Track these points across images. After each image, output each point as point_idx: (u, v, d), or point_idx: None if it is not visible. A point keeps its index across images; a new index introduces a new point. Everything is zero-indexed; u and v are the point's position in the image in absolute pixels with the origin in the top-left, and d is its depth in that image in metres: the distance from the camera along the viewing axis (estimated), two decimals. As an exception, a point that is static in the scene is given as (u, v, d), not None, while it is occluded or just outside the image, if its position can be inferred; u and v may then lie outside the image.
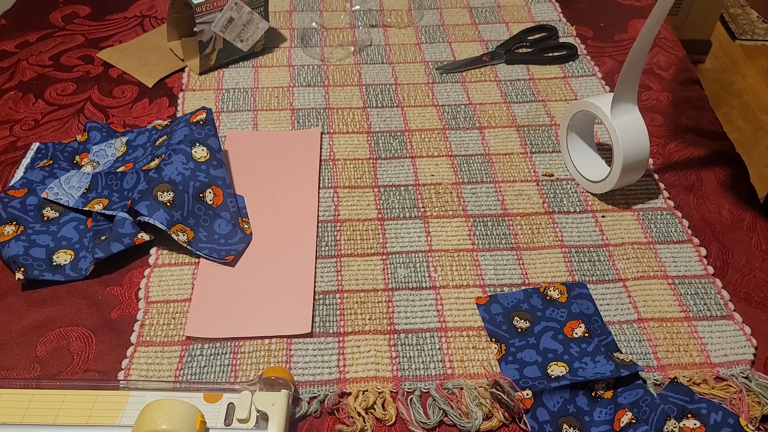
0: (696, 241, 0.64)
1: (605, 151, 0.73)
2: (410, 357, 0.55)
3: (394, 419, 0.51)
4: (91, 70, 0.85)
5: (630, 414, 0.49)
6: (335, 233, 0.65)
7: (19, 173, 0.70)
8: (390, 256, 0.63)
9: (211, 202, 0.64)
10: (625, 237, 0.65)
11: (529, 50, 0.89)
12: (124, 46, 0.89)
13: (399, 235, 0.65)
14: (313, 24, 0.94)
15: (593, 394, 0.51)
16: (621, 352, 0.55)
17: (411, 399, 0.52)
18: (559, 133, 0.72)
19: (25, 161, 0.71)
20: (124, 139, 0.73)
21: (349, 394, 0.52)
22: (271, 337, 0.56)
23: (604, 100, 0.64)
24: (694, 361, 0.55)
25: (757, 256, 0.63)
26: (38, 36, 0.91)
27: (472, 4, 0.99)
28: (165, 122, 0.75)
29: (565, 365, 0.53)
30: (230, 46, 0.84)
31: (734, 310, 0.58)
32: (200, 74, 0.84)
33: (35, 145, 0.72)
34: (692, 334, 0.56)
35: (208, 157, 0.66)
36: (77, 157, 0.71)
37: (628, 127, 0.63)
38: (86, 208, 0.64)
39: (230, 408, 0.49)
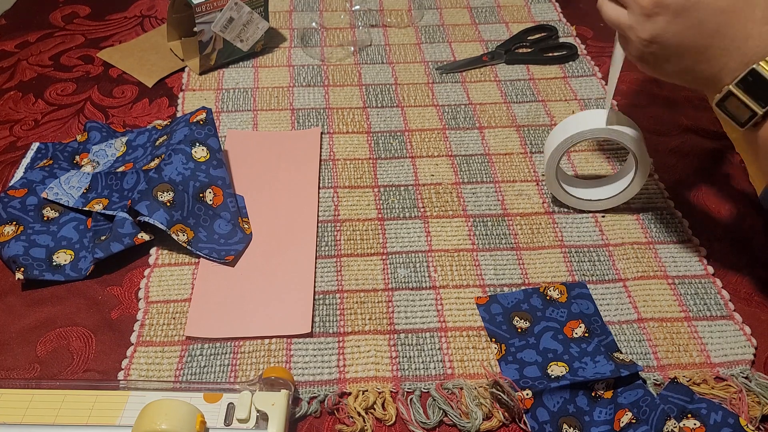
0: (696, 241, 0.64)
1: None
2: (410, 357, 0.55)
3: (394, 419, 0.51)
4: (91, 70, 0.85)
5: (630, 414, 0.49)
6: (335, 233, 0.65)
7: (19, 173, 0.70)
8: (390, 256, 0.63)
9: (211, 202, 0.64)
10: (625, 237, 0.65)
11: (529, 50, 0.89)
12: (124, 46, 0.89)
13: (399, 235, 0.65)
14: (313, 24, 0.94)
15: (593, 394, 0.51)
16: (621, 352, 0.55)
17: (411, 399, 0.52)
18: (546, 177, 0.65)
19: (25, 161, 0.71)
20: (124, 139, 0.73)
21: (349, 394, 0.52)
22: (271, 337, 0.56)
23: (594, 119, 0.60)
24: (694, 361, 0.55)
25: (757, 256, 0.63)
26: (38, 36, 0.91)
27: (472, 4, 0.99)
28: (165, 122, 0.75)
29: (565, 365, 0.53)
30: (230, 46, 0.84)
31: (734, 310, 0.58)
32: (200, 74, 0.84)
33: (35, 145, 0.72)
34: (692, 334, 0.56)
35: (208, 157, 0.66)
36: (77, 157, 0.71)
37: (628, 124, 0.61)
38: (86, 208, 0.64)
39: (230, 408, 0.49)
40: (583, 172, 0.72)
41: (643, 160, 0.62)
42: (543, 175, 0.71)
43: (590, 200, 0.66)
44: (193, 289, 0.60)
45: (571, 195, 0.66)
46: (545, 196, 0.69)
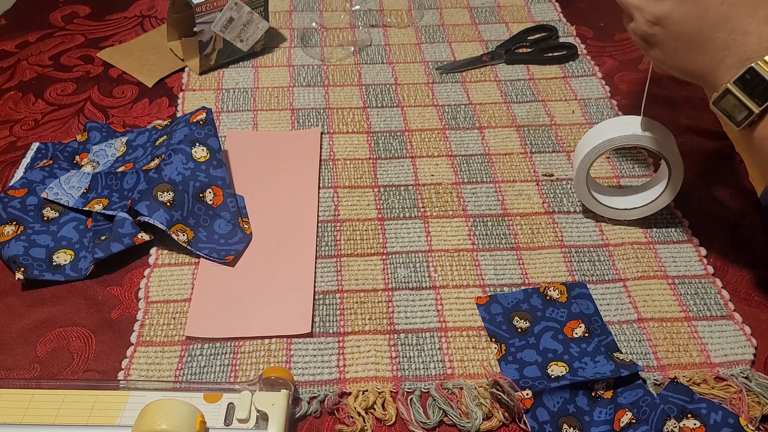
0: (696, 241, 0.64)
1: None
2: (410, 357, 0.55)
3: (394, 419, 0.51)
4: (91, 70, 0.85)
5: (630, 414, 0.49)
6: (335, 233, 0.65)
7: (19, 173, 0.70)
8: (390, 256, 0.63)
9: (211, 202, 0.64)
10: (625, 237, 0.65)
11: (529, 50, 0.89)
12: (124, 46, 0.89)
13: (399, 235, 0.65)
14: (313, 24, 0.94)
15: (593, 394, 0.51)
16: (621, 352, 0.55)
17: (411, 399, 0.52)
18: (576, 184, 0.64)
19: (25, 161, 0.71)
20: (124, 139, 0.73)
21: (349, 394, 0.52)
22: (271, 337, 0.56)
23: (629, 125, 0.60)
24: (694, 361, 0.55)
25: (757, 256, 0.63)
26: (38, 36, 0.91)
27: (472, 4, 0.99)
28: (165, 122, 0.75)
29: (565, 365, 0.53)
30: (230, 46, 0.84)
31: (734, 310, 0.58)
32: (200, 74, 0.84)
33: (35, 145, 0.72)
34: (692, 334, 0.56)
35: (208, 157, 0.66)
36: (77, 157, 0.71)
37: (662, 132, 0.60)
38: (86, 208, 0.64)
39: (230, 408, 0.49)
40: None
41: (677, 169, 0.60)
42: (544, 176, 0.71)
43: (623, 209, 0.64)
44: (193, 289, 0.60)
45: (600, 203, 0.64)
46: (545, 196, 0.69)
